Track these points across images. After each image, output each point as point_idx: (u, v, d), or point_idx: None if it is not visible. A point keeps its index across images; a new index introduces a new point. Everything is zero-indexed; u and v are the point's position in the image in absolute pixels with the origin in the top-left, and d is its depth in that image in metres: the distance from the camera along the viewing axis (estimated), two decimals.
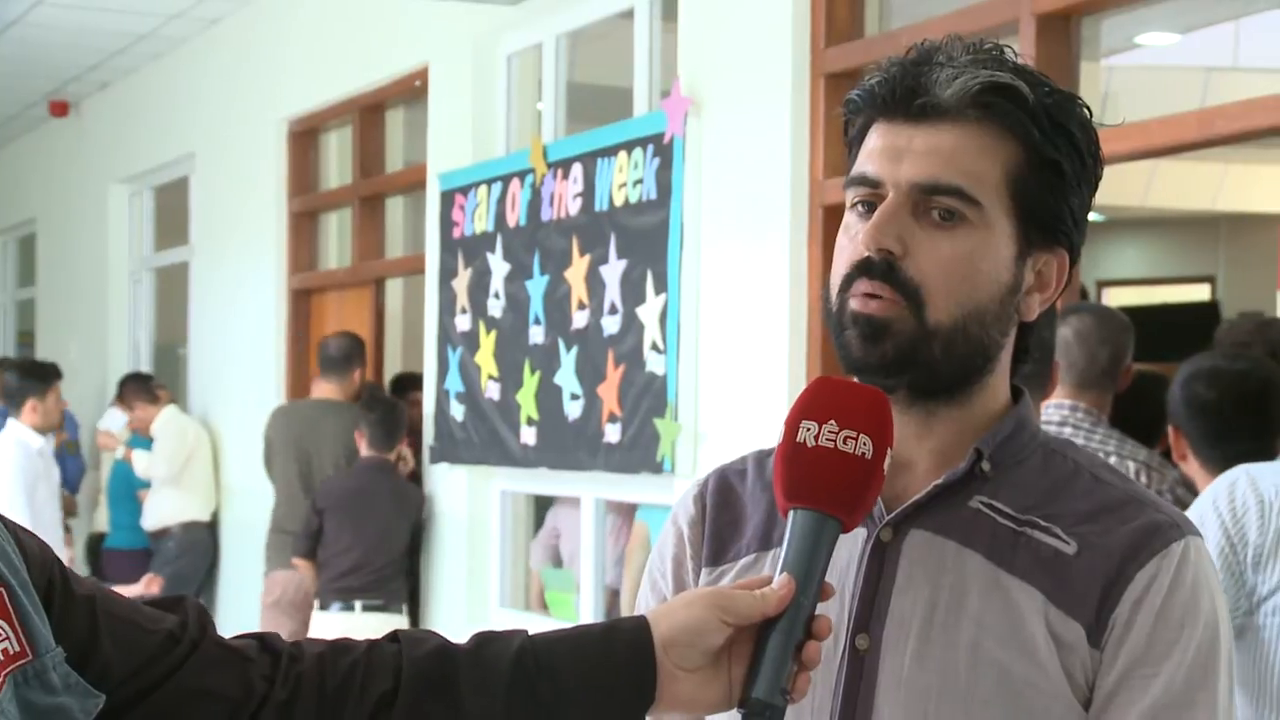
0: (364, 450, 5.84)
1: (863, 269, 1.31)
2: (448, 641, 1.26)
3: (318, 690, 1.22)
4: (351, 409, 6.13)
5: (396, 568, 5.80)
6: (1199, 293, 10.35)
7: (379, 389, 6.55)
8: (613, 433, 4.79)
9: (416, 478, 6.07)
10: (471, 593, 5.80)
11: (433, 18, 6.04)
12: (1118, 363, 3.34)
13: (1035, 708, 1.27)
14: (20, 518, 5.86)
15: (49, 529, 5.96)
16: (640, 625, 1.23)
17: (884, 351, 1.30)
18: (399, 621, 5.74)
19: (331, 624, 5.64)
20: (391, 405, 5.96)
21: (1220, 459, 2.63)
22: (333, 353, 6.30)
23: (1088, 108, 1.35)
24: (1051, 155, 1.31)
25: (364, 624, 5.59)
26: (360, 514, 5.74)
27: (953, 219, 1.31)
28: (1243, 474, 2.34)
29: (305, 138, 7.48)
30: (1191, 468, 2.81)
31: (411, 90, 6.46)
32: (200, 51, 8.25)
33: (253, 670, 1.23)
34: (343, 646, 1.26)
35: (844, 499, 1.24)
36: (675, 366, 4.52)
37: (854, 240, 1.33)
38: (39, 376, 6.19)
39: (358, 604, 5.70)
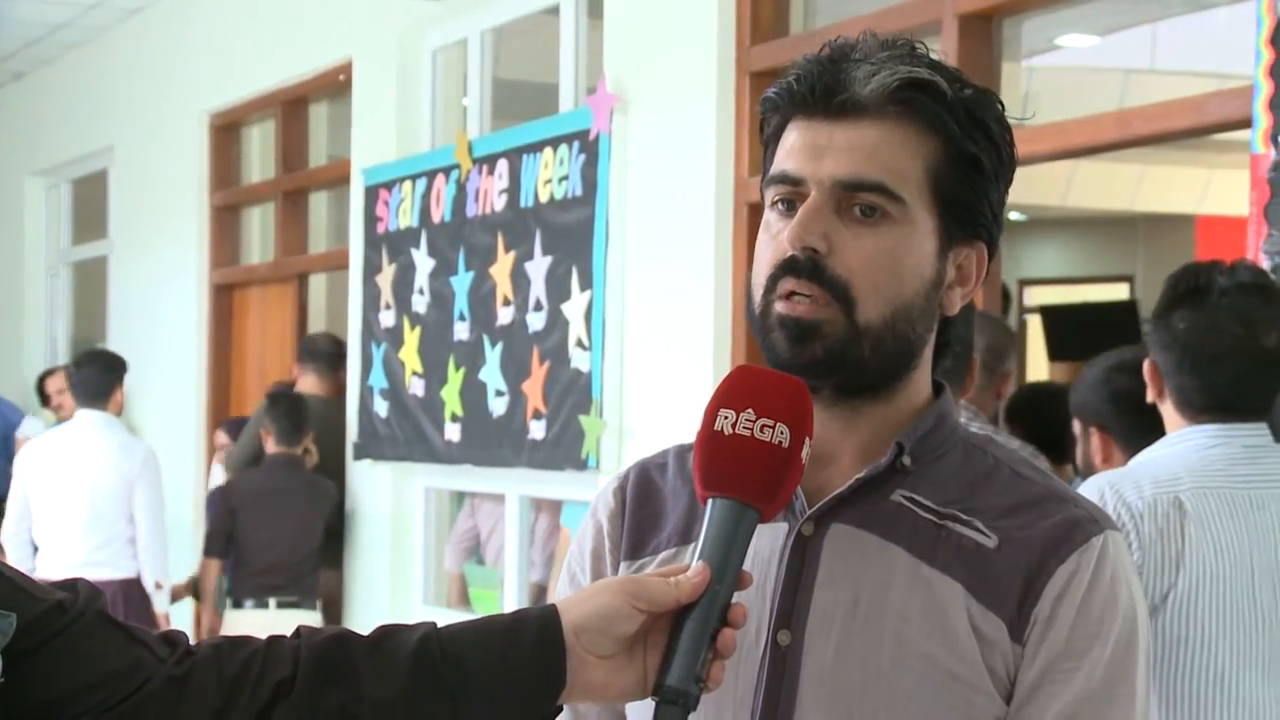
0: (271, 447, 5.74)
1: (788, 268, 1.31)
2: (350, 632, 1.26)
3: (215, 676, 1.22)
4: (340, 405, 6.13)
5: (311, 564, 5.73)
6: (1118, 291, 10.48)
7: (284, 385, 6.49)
8: (537, 429, 4.79)
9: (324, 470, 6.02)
10: (394, 590, 5.77)
11: (357, 11, 6.00)
12: (993, 356, 3.36)
13: (958, 700, 1.28)
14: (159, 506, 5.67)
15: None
16: (548, 612, 1.23)
17: (813, 353, 1.30)
18: (313, 618, 5.67)
19: (246, 621, 5.55)
20: (296, 399, 5.89)
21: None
22: (323, 348, 6.21)
23: (1000, 102, 1.36)
24: (971, 150, 1.32)
25: (278, 621, 5.52)
26: (276, 512, 5.66)
27: (875, 215, 1.31)
28: (1105, 487, 2.30)
29: (227, 131, 7.41)
30: (1116, 466, 2.81)
31: (335, 84, 6.42)
32: (120, 42, 8.14)
33: (142, 648, 1.23)
34: (241, 640, 1.26)
35: (760, 487, 1.24)
36: (600, 363, 4.52)
37: (776, 239, 1.33)
38: (121, 366, 6.07)
39: (272, 601, 5.64)
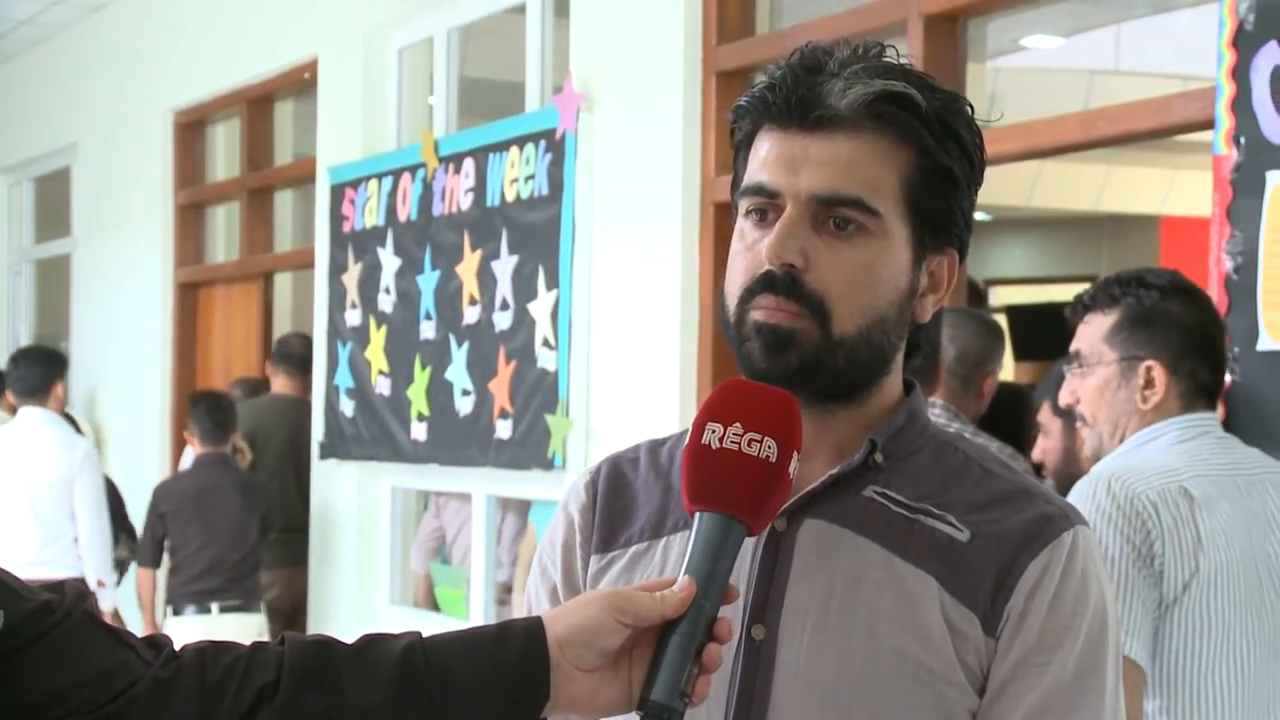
0: (198, 448, 5.70)
1: (765, 284, 1.31)
2: (334, 640, 1.26)
3: (199, 679, 1.22)
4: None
5: (251, 564, 5.65)
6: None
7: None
8: (504, 429, 4.78)
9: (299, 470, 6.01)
10: (361, 590, 5.75)
11: (322, 9, 5.98)
12: (966, 364, 3.38)
13: (930, 693, 1.29)
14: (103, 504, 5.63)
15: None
16: (534, 625, 1.23)
17: (789, 362, 1.31)
18: (258, 620, 5.63)
19: (188, 629, 5.45)
20: (218, 397, 5.88)
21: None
22: (296, 350, 6.23)
23: (970, 106, 1.37)
24: (945, 162, 1.33)
25: (223, 626, 5.44)
26: (207, 512, 5.58)
27: (850, 228, 1.32)
28: (1110, 478, 2.29)
29: (192, 129, 7.37)
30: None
31: (301, 82, 6.39)
32: (84, 38, 8.09)
33: (128, 650, 1.23)
34: (226, 645, 1.26)
35: (746, 502, 1.25)
36: (567, 362, 4.52)
37: (752, 250, 1.34)
38: (59, 361, 6.01)
39: (214, 606, 5.54)
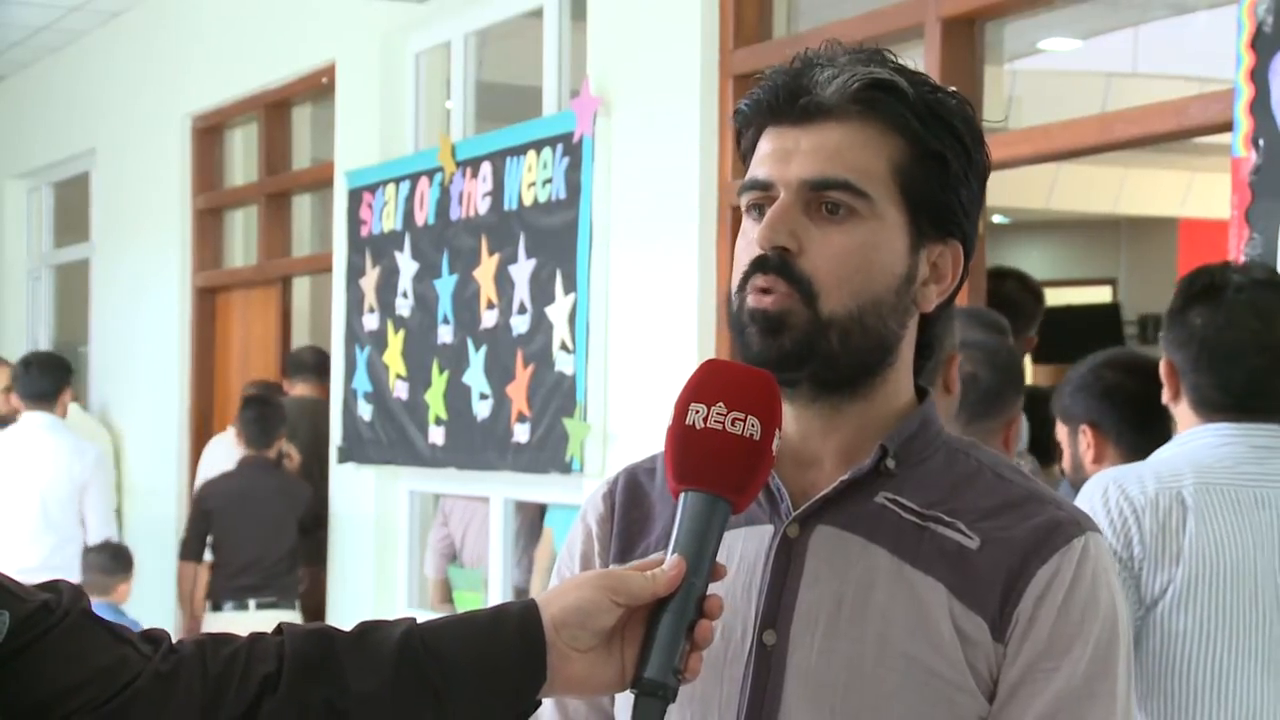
0: (242, 450, 5.84)
1: (758, 266, 1.34)
2: (331, 627, 1.28)
3: (200, 672, 1.23)
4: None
5: (287, 564, 5.82)
6: (1101, 294, 10.51)
7: (266, 385, 6.53)
8: (522, 433, 4.79)
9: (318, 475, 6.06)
10: (379, 593, 5.76)
11: (340, 14, 5.99)
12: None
13: (940, 700, 1.30)
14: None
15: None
16: (528, 607, 1.25)
17: (782, 344, 1.32)
18: (293, 617, 5.72)
19: (226, 624, 5.59)
20: (265, 402, 5.97)
21: (1151, 443, 2.62)
22: (309, 359, 6.40)
23: (970, 106, 1.38)
24: (935, 147, 1.34)
25: (259, 622, 5.53)
26: (248, 513, 5.75)
27: (841, 212, 1.33)
28: (1110, 482, 2.33)
29: (210, 134, 7.40)
30: (1110, 465, 2.80)
31: (318, 87, 6.41)
32: (101, 45, 8.12)
33: (127, 646, 1.25)
34: (224, 637, 1.28)
35: (732, 480, 1.27)
36: (584, 366, 4.53)
37: (751, 242, 1.36)
38: (66, 368, 6.06)
39: (251, 602, 5.72)
